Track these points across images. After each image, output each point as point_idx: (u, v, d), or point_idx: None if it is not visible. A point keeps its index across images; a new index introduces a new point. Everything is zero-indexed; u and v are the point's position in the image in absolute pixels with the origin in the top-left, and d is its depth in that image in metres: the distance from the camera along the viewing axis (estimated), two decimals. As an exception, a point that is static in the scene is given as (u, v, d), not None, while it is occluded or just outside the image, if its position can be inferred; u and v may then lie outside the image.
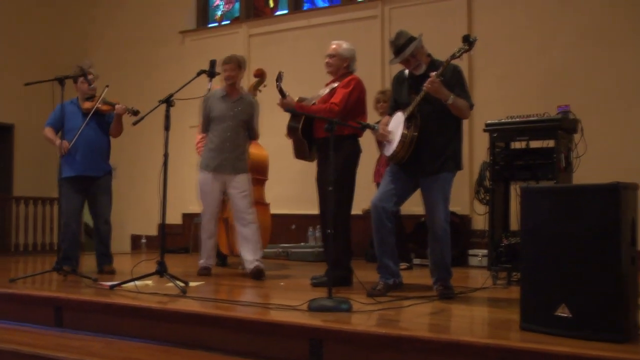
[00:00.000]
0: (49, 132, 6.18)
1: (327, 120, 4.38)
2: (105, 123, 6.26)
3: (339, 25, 8.84)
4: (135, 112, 5.79)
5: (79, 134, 6.04)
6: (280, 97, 5.36)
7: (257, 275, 5.79)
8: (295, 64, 8.60)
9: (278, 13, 9.99)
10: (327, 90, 5.47)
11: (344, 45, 5.51)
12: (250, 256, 5.92)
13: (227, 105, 6.04)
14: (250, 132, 6.17)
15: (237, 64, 6.08)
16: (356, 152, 5.42)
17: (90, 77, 6.22)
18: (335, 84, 5.45)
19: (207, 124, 6.13)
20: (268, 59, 9.14)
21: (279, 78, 5.44)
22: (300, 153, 5.58)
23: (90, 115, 6.11)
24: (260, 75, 7.11)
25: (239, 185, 5.98)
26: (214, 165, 6.00)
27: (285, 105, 5.28)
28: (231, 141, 6.00)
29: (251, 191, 6.09)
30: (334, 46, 5.51)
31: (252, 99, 6.24)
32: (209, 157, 6.04)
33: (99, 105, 6.14)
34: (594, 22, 7.33)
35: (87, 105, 6.19)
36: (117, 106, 6.09)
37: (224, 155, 5.98)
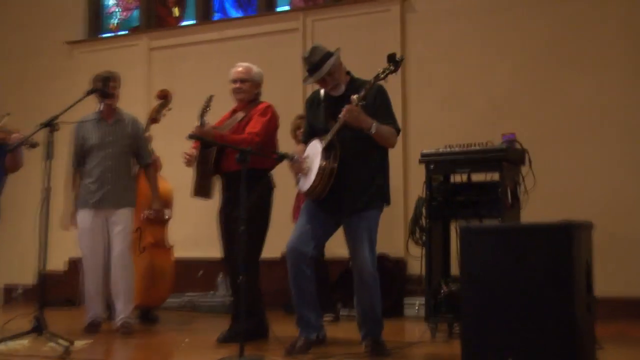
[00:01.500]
0: None
1: (240, 150, 4.36)
2: (3, 154, 6.13)
3: (255, 39, 8.84)
4: (33, 145, 5.68)
5: None
6: (198, 123, 5.27)
7: (126, 330, 5.85)
8: (203, 82, 8.51)
9: (184, 23, 9.92)
10: (239, 117, 5.47)
11: (255, 69, 5.59)
12: (119, 306, 5.98)
13: (105, 130, 6.03)
14: (138, 156, 6.18)
15: (119, 81, 6.10)
16: (272, 187, 5.49)
17: None
18: (243, 112, 5.49)
19: (80, 156, 6.09)
20: (172, 76, 9.06)
21: (208, 103, 5.35)
22: (202, 189, 5.52)
23: None
24: (165, 96, 7.04)
25: (120, 219, 6.00)
26: (94, 201, 5.96)
27: (204, 134, 5.19)
28: (113, 171, 6.00)
29: (133, 229, 6.18)
30: (241, 69, 5.55)
31: (133, 117, 6.25)
32: (87, 192, 6.01)
33: None
34: (543, 43, 7.48)
35: None
36: (12, 135, 5.99)
37: (105, 188, 5.96)
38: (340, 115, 4.44)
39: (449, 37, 7.93)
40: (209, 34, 9.30)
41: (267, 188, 5.46)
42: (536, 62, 7.51)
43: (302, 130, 6.61)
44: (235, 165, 4.92)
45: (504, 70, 7.64)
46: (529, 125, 7.12)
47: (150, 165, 6.39)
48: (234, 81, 5.54)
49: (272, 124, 5.44)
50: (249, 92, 5.53)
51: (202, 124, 5.27)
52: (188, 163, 5.50)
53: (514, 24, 7.67)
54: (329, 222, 4.70)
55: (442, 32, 7.97)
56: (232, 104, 5.70)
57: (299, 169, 4.73)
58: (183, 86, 8.49)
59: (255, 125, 5.32)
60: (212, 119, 5.51)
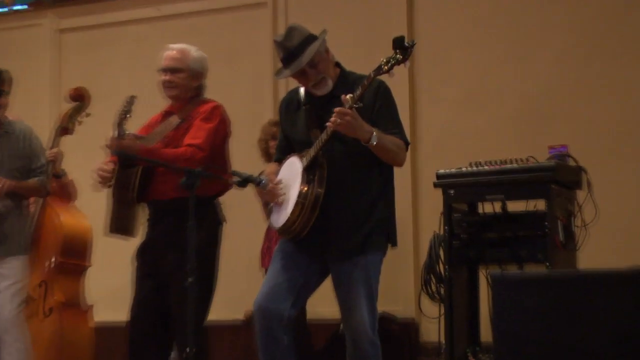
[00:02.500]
0: None
1: (186, 172, 4.35)
2: None
3: (208, 17, 8.85)
4: None
5: None
6: (116, 133, 5.26)
7: None
8: (134, 77, 8.53)
9: (108, -4, 9.96)
10: (174, 123, 5.43)
11: (194, 52, 5.52)
12: None
13: None
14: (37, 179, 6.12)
15: (11, 83, 6.12)
16: (220, 222, 5.49)
17: None
18: (180, 115, 5.46)
19: None
20: (90, 69, 9.05)
21: (129, 107, 5.33)
22: (121, 223, 5.48)
23: None
24: (81, 97, 7.00)
25: (8, 271, 6.00)
26: None
27: (124, 149, 5.16)
28: None
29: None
30: (173, 53, 5.48)
31: (23, 126, 6.23)
32: None
33: None
34: (598, 22, 7.47)
35: None
36: None
37: None
38: (328, 122, 4.42)
39: (471, 17, 7.94)
40: (143, 9, 9.30)
41: (215, 223, 5.44)
42: (590, 48, 7.47)
43: (275, 142, 6.66)
44: (171, 192, 4.94)
45: (545, 59, 7.62)
46: (584, 133, 7.12)
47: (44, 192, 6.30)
48: (164, 71, 5.45)
49: (220, 132, 5.39)
50: (183, 86, 5.44)
51: (121, 135, 5.23)
52: (102, 182, 5.43)
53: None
54: (313, 269, 4.68)
55: (461, 10, 8.00)
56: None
57: (270, 196, 4.70)
58: (106, 83, 8.49)
59: (197, 134, 5.25)
60: (135, 128, 5.48)
